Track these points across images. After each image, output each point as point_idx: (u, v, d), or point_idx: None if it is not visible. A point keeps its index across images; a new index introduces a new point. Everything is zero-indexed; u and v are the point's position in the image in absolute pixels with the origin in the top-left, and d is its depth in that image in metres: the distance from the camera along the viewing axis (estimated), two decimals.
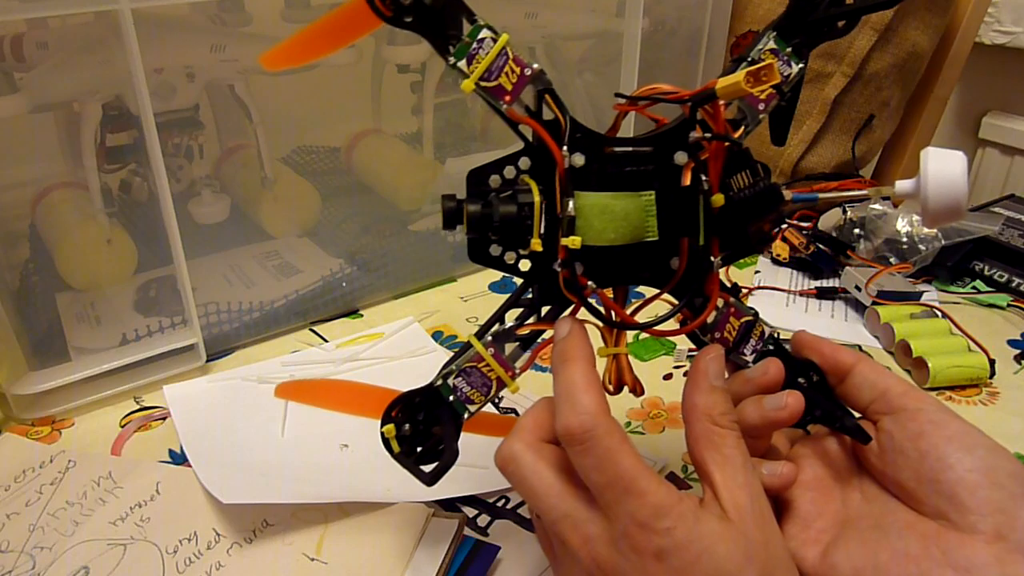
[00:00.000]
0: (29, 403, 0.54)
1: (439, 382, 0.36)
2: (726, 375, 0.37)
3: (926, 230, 0.71)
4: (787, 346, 0.40)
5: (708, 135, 0.35)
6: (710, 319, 0.38)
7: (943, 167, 0.37)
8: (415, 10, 0.33)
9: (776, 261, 0.77)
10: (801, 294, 0.71)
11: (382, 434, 0.37)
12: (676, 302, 0.37)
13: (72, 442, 0.53)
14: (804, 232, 0.78)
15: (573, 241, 0.33)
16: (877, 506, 0.36)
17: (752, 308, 0.39)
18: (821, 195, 0.40)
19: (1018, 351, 0.63)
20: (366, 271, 0.70)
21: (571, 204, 0.33)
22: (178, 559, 0.43)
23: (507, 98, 0.34)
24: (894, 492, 0.36)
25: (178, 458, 0.51)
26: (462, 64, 0.34)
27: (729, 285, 0.71)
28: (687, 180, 0.35)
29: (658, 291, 0.38)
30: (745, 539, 0.31)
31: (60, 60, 0.56)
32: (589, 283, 0.35)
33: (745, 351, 0.39)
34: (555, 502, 0.33)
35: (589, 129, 0.35)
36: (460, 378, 0.36)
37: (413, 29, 0.33)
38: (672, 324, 0.37)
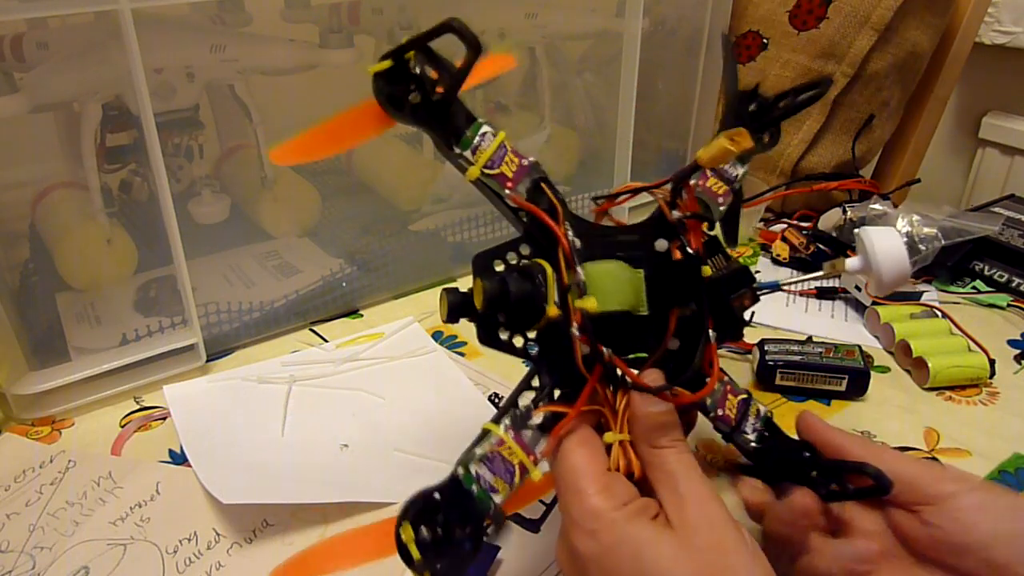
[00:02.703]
0: (29, 403, 0.54)
1: (460, 471, 0.34)
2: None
3: (926, 230, 0.71)
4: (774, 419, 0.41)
5: (688, 214, 0.38)
6: (708, 400, 0.40)
7: (887, 244, 0.42)
8: (423, 108, 0.36)
9: (776, 261, 0.77)
10: (801, 294, 0.71)
11: (398, 537, 0.32)
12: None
13: (72, 442, 0.53)
14: (804, 232, 0.78)
15: (589, 302, 0.34)
16: None
17: (744, 388, 0.41)
18: (782, 282, 0.46)
19: (1018, 351, 0.63)
20: (366, 271, 0.70)
21: (580, 271, 0.35)
22: (178, 559, 0.43)
23: (509, 184, 0.37)
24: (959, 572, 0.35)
25: (178, 458, 0.51)
26: (467, 154, 0.37)
27: None
28: (677, 255, 0.38)
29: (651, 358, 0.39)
30: (682, 546, 0.31)
31: (60, 60, 0.56)
32: (605, 349, 0.35)
33: (746, 429, 0.40)
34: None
35: (579, 216, 0.38)
36: (483, 465, 0.34)
37: (420, 126, 0.36)
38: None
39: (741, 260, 0.76)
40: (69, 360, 0.56)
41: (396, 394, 0.57)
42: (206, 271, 0.64)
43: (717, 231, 0.42)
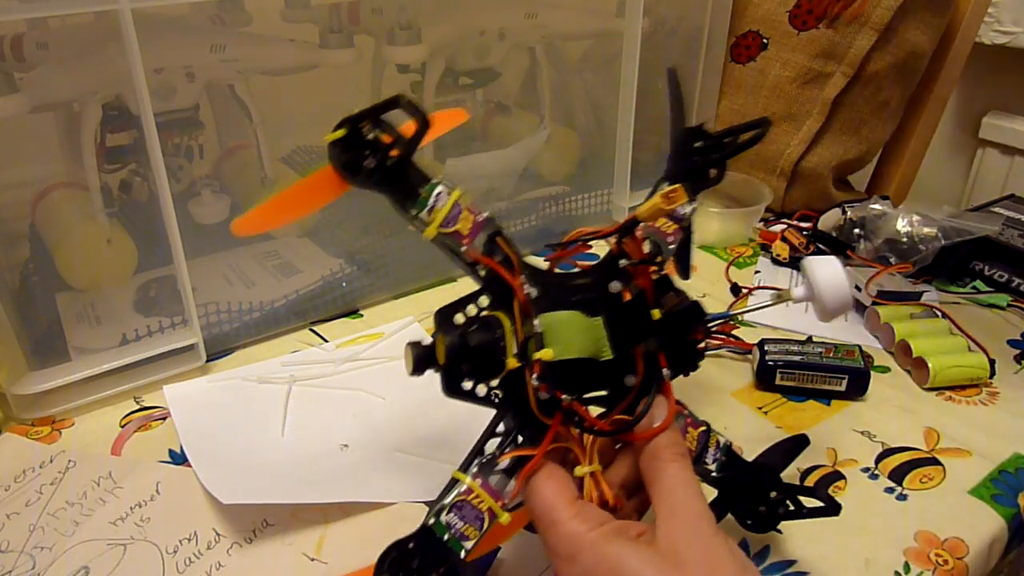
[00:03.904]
0: (29, 403, 0.54)
1: (431, 520, 0.36)
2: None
3: (926, 230, 0.71)
4: (739, 453, 0.42)
5: (635, 261, 0.39)
6: None
7: (828, 274, 0.44)
8: (379, 172, 0.36)
9: (776, 261, 0.77)
10: None
11: None
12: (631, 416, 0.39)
13: (72, 442, 0.53)
14: (804, 232, 0.78)
15: (546, 353, 0.35)
16: None
17: (703, 419, 0.42)
18: (732, 312, 0.48)
19: (1018, 351, 0.63)
20: (366, 271, 0.70)
21: (537, 322, 0.36)
22: (178, 559, 0.43)
23: (466, 241, 0.38)
24: None
25: (178, 458, 0.51)
26: (423, 214, 0.37)
27: (729, 284, 0.71)
28: (627, 297, 0.38)
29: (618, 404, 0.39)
30: (665, 561, 0.31)
31: (60, 60, 0.56)
32: (564, 396, 0.36)
33: (707, 460, 0.41)
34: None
35: (534, 266, 0.39)
36: (452, 514, 0.36)
37: (378, 189, 0.37)
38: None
39: (741, 260, 0.77)
40: (69, 360, 0.56)
41: (396, 394, 0.57)
42: (206, 271, 0.64)
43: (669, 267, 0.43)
